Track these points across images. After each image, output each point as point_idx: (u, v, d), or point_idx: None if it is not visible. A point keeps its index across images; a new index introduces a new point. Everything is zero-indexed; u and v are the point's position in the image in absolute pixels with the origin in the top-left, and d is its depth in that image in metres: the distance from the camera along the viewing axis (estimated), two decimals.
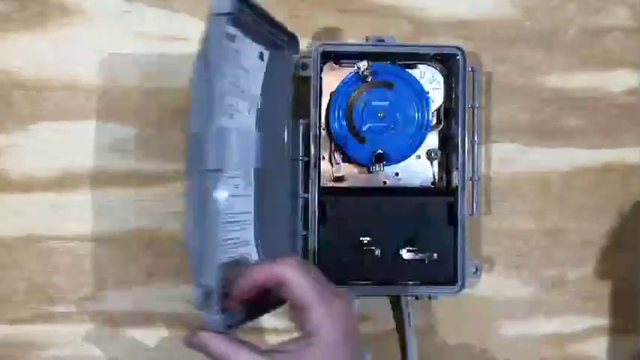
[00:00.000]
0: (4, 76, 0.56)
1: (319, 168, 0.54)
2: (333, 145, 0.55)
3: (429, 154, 0.56)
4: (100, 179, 0.56)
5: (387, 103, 0.54)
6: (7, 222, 0.56)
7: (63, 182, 0.56)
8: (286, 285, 0.41)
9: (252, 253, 0.51)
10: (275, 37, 0.51)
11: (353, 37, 0.57)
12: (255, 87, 0.53)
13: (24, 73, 0.56)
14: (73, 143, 0.56)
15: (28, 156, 0.56)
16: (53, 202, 0.56)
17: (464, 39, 0.57)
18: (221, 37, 0.43)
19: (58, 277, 0.56)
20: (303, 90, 0.56)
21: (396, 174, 0.56)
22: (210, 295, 0.41)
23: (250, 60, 0.50)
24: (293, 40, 0.53)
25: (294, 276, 0.41)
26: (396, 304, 0.57)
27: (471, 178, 0.55)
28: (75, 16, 0.56)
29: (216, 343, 0.40)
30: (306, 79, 0.56)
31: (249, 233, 0.51)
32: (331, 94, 0.55)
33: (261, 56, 0.52)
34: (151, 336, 0.57)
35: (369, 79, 0.54)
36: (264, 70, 0.52)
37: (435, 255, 0.53)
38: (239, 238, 0.49)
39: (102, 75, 0.56)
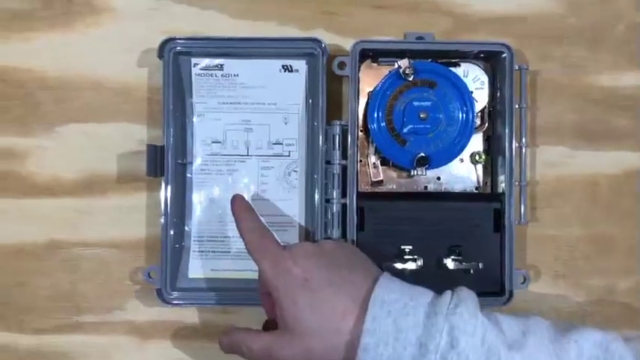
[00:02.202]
0: (29, 77, 0.52)
1: (357, 172, 0.49)
2: (371, 148, 0.50)
3: (473, 157, 0.51)
4: (127, 183, 0.52)
5: (429, 103, 0.49)
6: (31, 227, 0.52)
7: (89, 186, 0.52)
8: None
9: None
10: (294, 48, 0.50)
11: (389, 35, 0.52)
12: (287, 98, 0.51)
13: (50, 73, 0.52)
14: (100, 145, 0.52)
15: (54, 159, 0.52)
16: (79, 206, 0.52)
17: (505, 36, 0.52)
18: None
19: (84, 285, 0.52)
20: (338, 90, 0.52)
21: (438, 178, 0.51)
22: None
23: (265, 76, 0.50)
24: (316, 42, 0.49)
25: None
26: None
27: (519, 183, 0.50)
28: (102, 14, 0.52)
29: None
30: (341, 79, 0.51)
31: (291, 235, 0.51)
32: (369, 94, 0.50)
33: (285, 69, 0.51)
34: (180, 347, 0.52)
35: (411, 78, 0.49)
36: (295, 80, 0.51)
37: (481, 264, 0.48)
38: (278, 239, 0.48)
39: (130, 75, 0.52)
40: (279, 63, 0.51)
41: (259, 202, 0.51)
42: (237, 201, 0.47)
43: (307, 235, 0.51)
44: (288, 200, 0.51)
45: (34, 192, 0.52)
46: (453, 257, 0.48)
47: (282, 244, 0.44)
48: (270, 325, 0.47)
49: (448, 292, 0.40)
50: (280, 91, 0.51)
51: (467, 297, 0.40)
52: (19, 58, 0.52)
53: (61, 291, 0.52)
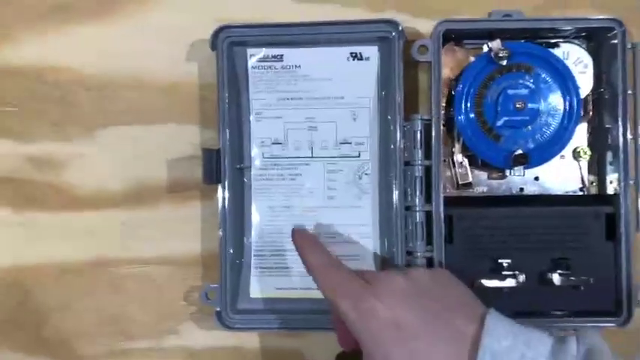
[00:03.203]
0: (66, 75, 0.46)
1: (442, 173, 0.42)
2: (457, 145, 0.43)
3: (575, 152, 0.43)
4: (179, 192, 0.46)
5: (526, 91, 0.41)
6: (74, 244, 0.46)
7: (137, 197, 0.46)
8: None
9: (370, 267, 0.44)
10: (364, 32, 0.43)
11: (468, 14, 0.45)
12: (356, 90, 0.44)
13: (88, 71, 0.46)
14: (147, 151, 0.46)
15: (96, 167, 0.46)
16: (126, 219, 0.46)
17: (604, 9, 0.44)
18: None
19: (133, 307, 0.46)
20: (411, 80, 0.45)
21: (536, 178, 0.43)
22: None
23: (331, 66, 0.44)
24: (391, 24, 0.42)
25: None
26: None
27: (634, 182, 0.42)
28: (145, 2, 0.46)
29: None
30: (415, 67, 0.44)
31: (364, 248, 0.44)
32: (451, 83, 0.43)
33: (354, 56, 0.44)
34: None
35: (504, 62, 0.41)
36: (366, 69, 0.44)
37: (592, 279, 0.41)
38: (350, 253, 0.44)
39: (178, 70, 0.46)
40: (346, 50, 0.44)
41: (326, 210, 0.44)
42: (297, 235, 0.41)
43: (382, 248, 0.44)
44: (359, 208, 0.44)
45: (75, 205, 0.46)
46: (559, 271, 0.41)
47: (358, 272, 0.37)
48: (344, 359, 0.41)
49: (572, 340, 0.33)
50: (348, 82, 0.44)
51: (598, 347, 0.32)
52: (54, 54, 0.46)
53: (108, 314, 0.46)
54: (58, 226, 0.46)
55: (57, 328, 0.47)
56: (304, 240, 0.40)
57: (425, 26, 0.44)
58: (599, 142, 0.43)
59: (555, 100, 0.42)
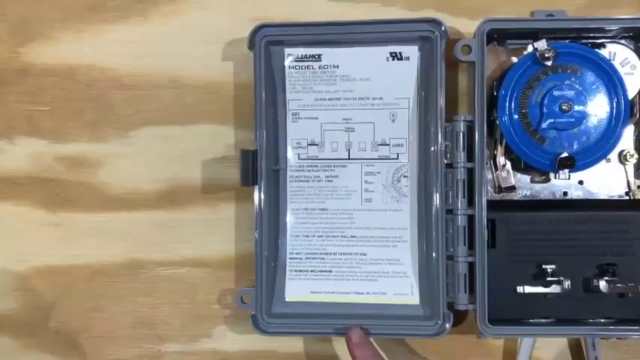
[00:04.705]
0: (100, 75, 0.46)
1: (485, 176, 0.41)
2: (499, 148, 0.42)
3: (622, 155, 0.42)
4: (214, 193, 0.45)
5: (572, 92, 0.40)
6: (107, 245, 0.46)
7: (171, 198, 0.46)
8: None
9: (408, 272, 0.44)
10: (404, 31, 0.42)
11: (509, 14, 0.44)
12: (395, 91, 0.43)
13: (123, 70, 0.46)
14: (182, 151, 0.46)
15: (131, 167, 0.46)
16: (160, 221, 0.46)
17: None
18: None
19: (166, 310, 0.46)
20: (452, 79, 0.44)
21: (580, 182, 0.42)
22: None
23: (370, 66, 0.43)
24: (434, 24, 0.41)
25: None
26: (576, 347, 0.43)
27: None
28: (180, 2, 0.45)
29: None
30: (455, 67, 0.43)
31: (402, 251, 0.43)
32: (493, 84, 0.42)
33: (394, 56, 0.43)
34: None
35: (549, 63, 0.40)
36: (405, 69, 0.43)
37: None
38: (387, 257, 0.44)
39: (214, 70, 0.45)
40: (386, 50, 0.43)
41: (362, 213, 0.44)
42: (355, 344, 0.41)
43: (421, 252, 0.43)
44: (397, 211, 0.44)
45: (109, 205, 0.46)
46: (606, 278, 0.40)
47: None
48: None
49: None
50: (387, 83, 0.43)
51: None
52: (89, 54, 0.46)
53: (141, 316, 0.46)
54: (92, 227, 0.46)
55: (88, 332, 0.46)
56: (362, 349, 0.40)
57: (464, 26, 0.44)
58: None
59: (602, 102, 0.41)
